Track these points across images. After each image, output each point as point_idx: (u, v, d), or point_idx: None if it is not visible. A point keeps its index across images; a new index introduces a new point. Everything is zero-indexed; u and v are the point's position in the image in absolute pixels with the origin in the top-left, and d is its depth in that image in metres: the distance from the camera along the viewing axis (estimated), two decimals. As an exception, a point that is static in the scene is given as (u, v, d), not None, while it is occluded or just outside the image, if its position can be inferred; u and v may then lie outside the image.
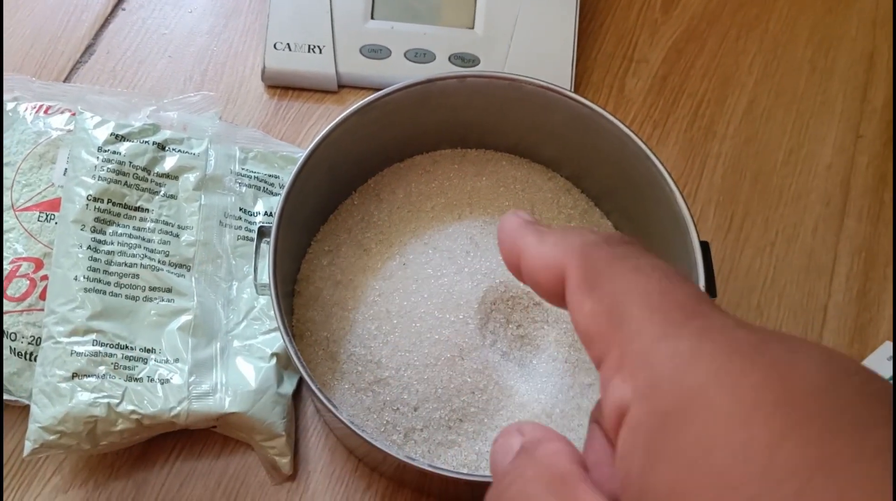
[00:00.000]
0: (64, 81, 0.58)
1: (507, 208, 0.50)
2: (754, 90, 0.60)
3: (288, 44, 0.57)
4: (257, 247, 0.44)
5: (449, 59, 0.57)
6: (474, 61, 0.57)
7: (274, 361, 0.47)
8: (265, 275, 0.41)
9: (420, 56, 0.57)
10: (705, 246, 0.42)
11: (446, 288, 0.45)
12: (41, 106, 0.52)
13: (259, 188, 0.52)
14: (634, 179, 0.46)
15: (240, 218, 0.51)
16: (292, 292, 0.48)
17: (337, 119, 0.44)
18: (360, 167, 0.50)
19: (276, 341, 0.47)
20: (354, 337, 0.45)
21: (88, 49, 0.59)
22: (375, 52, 0.57)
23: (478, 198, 0.50)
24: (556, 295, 0.24)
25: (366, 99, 0.45)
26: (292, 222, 0.44)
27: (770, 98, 0.60)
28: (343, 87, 0.58)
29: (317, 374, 0.45)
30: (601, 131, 0.46)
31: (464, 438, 0.44)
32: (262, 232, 0.43)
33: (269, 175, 0.53)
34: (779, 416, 0.17)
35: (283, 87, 0.58)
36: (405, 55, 0.57)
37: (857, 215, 0.56)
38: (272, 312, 0.48)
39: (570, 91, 0.46)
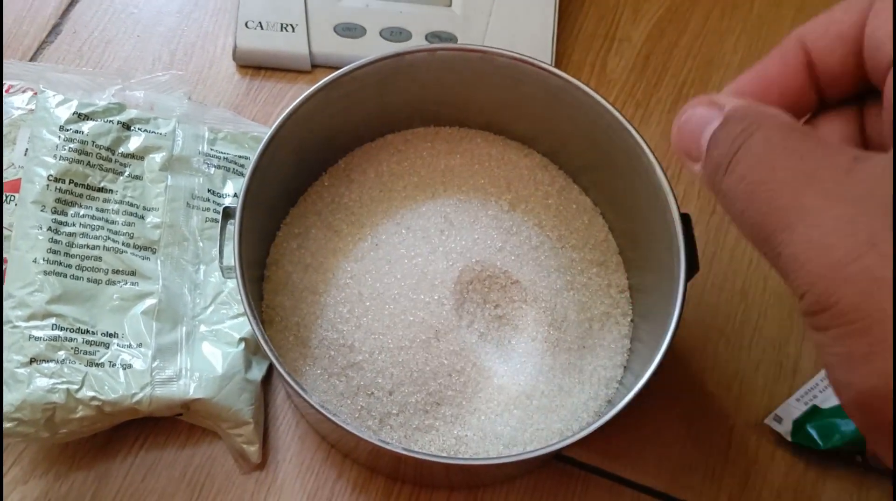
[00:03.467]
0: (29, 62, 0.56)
1: (482, 186, 0.48)
2: (739, 70, 0.58)
3: (260, 22, 0.55)
4: (222, 228, 0.42)
5: (426, 38, 0.55)
6: (452, 40, 0.55)
7: (242, 346, 0.45)
8: (231, 257, 0.39)
9: (396, 35, 0.55)
10: (686, 218, 0.40)
11: (420, 268, 0.44)
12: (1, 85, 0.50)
13: (228, 169, 0.50)
14: (612, 152, 0.44)
15: (208, 200, 0.49)
16: (261, 277, 0.46)
17: (303, 95, 0.43)
18: (330, 147, 0.48)
19: (244, 325, 0.46)
20: (326, 321, 0.44)
21: (55, 29, 0.57)
22: (350, 30, 0.55)
23: (451, 176, 0.48)
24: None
25: (333, 74, 0.43)
26: (259, 203, 0.42)
27: (755, 78, 0.58)
28: (317, 66, 0.56)
29: (287, 360, 0.44)
30: (576, 104, 0.44)
31: (441, 422, 0.42)
32: (227, 213, 0.42)
33: (239, 156, 0.51)
34: None
35: (255, 67, 0.56)
36: (380, 34, 0.55)
37: (845, 196, 0.54)
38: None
39: (543, 62, 0.44)
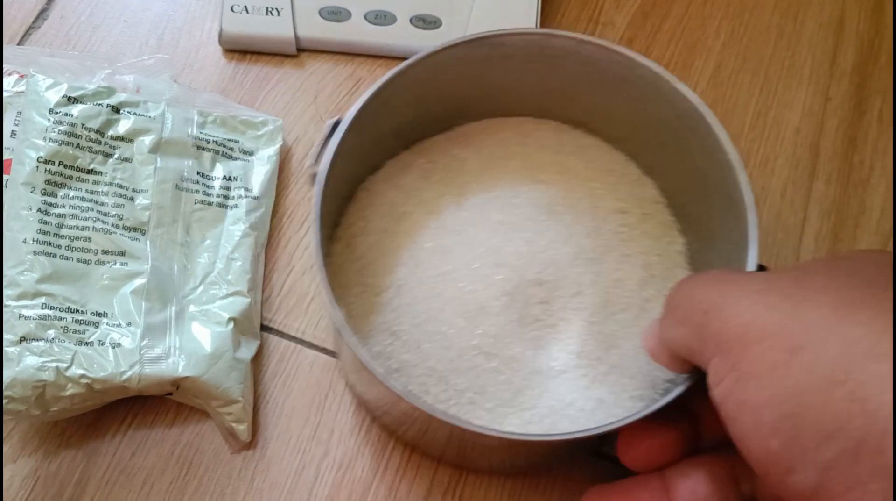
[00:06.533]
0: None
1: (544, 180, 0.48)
2: (721, 55, 0.59)
3: (245, 6, 0.55)
4: (326, 138, 0.41)
5: (410, 20, 0.56)
6: (436, 23, 0.56)
7: (231, 326, 0.45)
8: (324, 166, 0.39)
9: (380, 18, 0.56)
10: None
11: (480, 259, 0.43)
12: (-11, 68, 0.50)
13: (218, 152, 0.51)
14: (686, 139, 0.44)
15: (197, 182, 0.49)
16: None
17: (432, 50, 0.43)
18: (427, 121, 0.49)
19: (233, 306, 0.46)
20: (382, 305, 0.43)
21: (42, 14, 0.57)
22: (335, 14, 0.56)
23: (535, 170, 0.48)
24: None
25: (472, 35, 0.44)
26: (345, 160, 0.41)
27: (737, 63, 0.59)
28: (302, 50, 0.57)
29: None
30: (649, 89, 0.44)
31: (494, 416, 0.41)
32: (336, 125, 0.41)
33: (228, 139, 0.51)
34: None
35: (241, 51, 0.57)
36: (365, 17, 0.56)
37: (827, 177, 0.55)
38: (230, 276, 0.47)
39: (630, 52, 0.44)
